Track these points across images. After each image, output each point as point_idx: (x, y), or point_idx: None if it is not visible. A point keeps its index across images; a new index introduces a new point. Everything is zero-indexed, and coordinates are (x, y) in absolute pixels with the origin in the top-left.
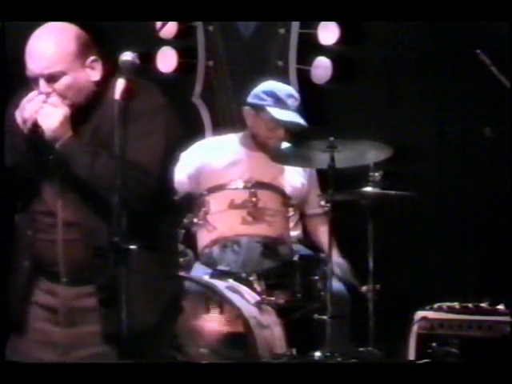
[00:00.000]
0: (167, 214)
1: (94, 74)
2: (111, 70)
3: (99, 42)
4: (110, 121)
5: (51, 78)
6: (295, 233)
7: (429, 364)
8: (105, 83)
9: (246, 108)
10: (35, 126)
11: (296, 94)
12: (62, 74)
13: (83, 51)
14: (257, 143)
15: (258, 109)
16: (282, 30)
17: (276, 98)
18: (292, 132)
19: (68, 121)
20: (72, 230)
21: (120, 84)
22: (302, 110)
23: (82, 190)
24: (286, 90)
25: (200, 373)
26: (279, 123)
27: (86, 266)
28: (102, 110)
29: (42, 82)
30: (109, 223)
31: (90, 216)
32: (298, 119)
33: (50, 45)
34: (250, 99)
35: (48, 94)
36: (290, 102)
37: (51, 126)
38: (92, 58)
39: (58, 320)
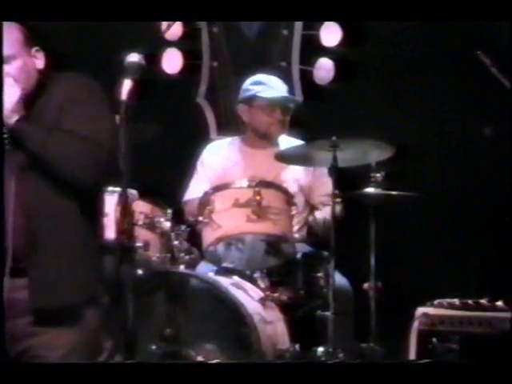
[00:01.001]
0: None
1: (39, 62)
2: (51, 62)
3: (39, 36)
4: (52, 108)
5: (6, 60)
6: (300, 233)
7: (429, 364)
8: (47, 73)
9: (240, 105)
10: None
11: (282, 81)
12: (14, 57)
13: (27, 41)
14: (259, 138)
15: (251, 99)
16: (285, 32)
17: (264, 84)
18: (287, 114)
19: (21, 102)
20: (19, 213)
21: (126, 84)
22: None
23: (34, 168)
24: (273, 78)
25: (200, 373)
26: (273, 103)
27: (26, 258)
28: (46, 98)
29: None
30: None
31: (41, 195)
32: (288, 95)
33: (5, 32)
34: (240, 96)
35: (3, 76)
36: (277, 85)
37: (9, 104)
38: (35, 48)
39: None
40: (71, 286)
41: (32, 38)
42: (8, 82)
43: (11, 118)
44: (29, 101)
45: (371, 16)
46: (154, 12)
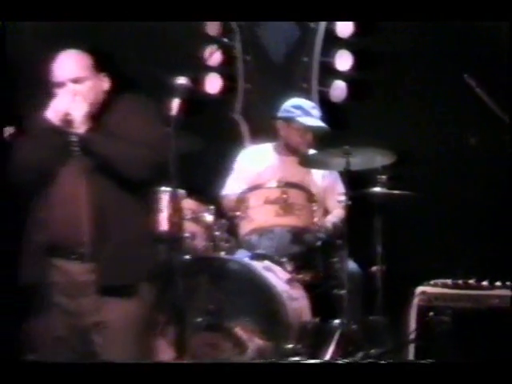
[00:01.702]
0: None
1: (105, 85)
2: (116, 85)
3: (106, 65)
4: (115, 121)
5: (77, 81)
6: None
7: (429, 364)
8: (112, 94)
9: (279, 121)
10: (66, 115)
11: (315, 106)
12: (85, 79)
13: (96, 67)
14: (289, 150)
15: (289, 120)
16: (305, 59)
17: (303, 109)
18: (317, 138)
19: (89, 114)
20: (90, 208)
21: (175, 102)
22: (323, 118)
23: (101, 169)
24: (309, 103)
25: (200, 373)
26: (308, 129)
27: (95, 245)
28: (110, 113)
29: (69, 84)
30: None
31: (110, 194)
32: (322, 124)
33: (75, 59)
34: (281, 113)
35: (75, 93)
36: (313, 112)
37: (79, 114)
38: (103, 73)
39: (70, 293)
40: (132, 267)
41: (100, 65)
42: (78, 100)
43: (80, 129)
44: (96, 115)
45: (371, 16)
46: (155, 12)
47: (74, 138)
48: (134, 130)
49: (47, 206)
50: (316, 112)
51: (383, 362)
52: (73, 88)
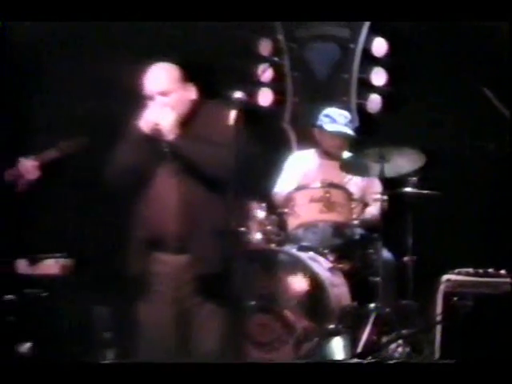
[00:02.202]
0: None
1: (191, 94)
2: (202, 94)
3: (194, 75)
4: (203, 128)
5: (164, 94)
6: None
7: (431, 364)
8: (200, 102)
9: (315, 129)
10: (156, 125)
11: (346, 114)
12: (172, 91)
13: (183, 78)
14: (326, 154)
15: (319, 127)
16: (345, 75)
17: (330, 117)
18: (347, 142)
19: (177, 123)
20: (182, 207)
21: (233, 114)
22: (353, 126)
23: (190, 172)
24: (337, 111)
25: (201, 373)
26: (333, 134)
27: (189, 238)
28: (198, 120)
29: (157, 97)
30: (213, 198)
31: (198, 193)
32: (346, 130)
33: (163, 73)
34: (315, 122)
35: (163, 105)
36: (339, 119)
37: (168, 124)
38: (190, 83)
39: (169, 281)
40: (219, 258)
41: (187, 76)
42: (166, 111)
43: (169, 136)
44: (183, 122)
45: (372, 16)
46: (155, 13)
47: (165, 145)
48: (221, 135)
49: (145, 205)
50: (342, 119)
51: (383, 362)
52: (161, 100)
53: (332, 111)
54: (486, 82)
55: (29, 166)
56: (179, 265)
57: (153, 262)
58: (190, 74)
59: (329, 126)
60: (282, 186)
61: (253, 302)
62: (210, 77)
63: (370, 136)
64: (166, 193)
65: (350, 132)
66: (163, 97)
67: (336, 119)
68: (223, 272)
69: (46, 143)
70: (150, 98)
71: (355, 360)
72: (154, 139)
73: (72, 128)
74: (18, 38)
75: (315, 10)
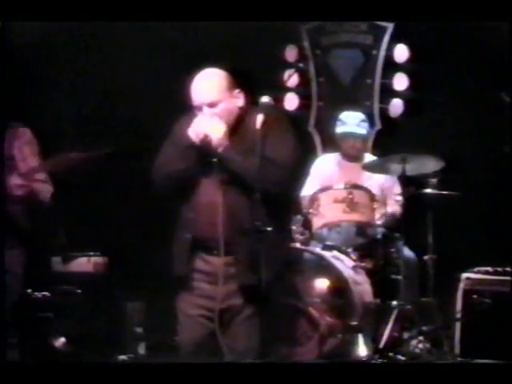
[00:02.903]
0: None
1: (239, 101)
2: (250, 99)
3: (241, 81)
4: (251, 133)
5: (212, 105)
6: (380, 221)
7: (432, 364)
8: (247, 108)
9: (334, 133)
10: (206, 137)
11: (358, 115)
12: (219, 101)
13: (230, 86)
14: (345, 155)
15: (333, 132)
16: (368, 81)
17: (341, 121)
18: (374, 146)
19: (226, 134)
20: (226, 215)
21: (260, 118)
22: (368, 125)
23: (237, 183)
24: (350, 114)
25: (201, 373)
26: (341, 135)
27: (232, 242)
28: (245, 126)
29: (205, 109)
30: (253, 209)
31: (241, 203)
32: (355, 130)
33: (210, 83)
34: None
35: (212, 116)
36: (348, 121)
37: (217, 136)
38: (237, 90)
39: (211, 280)
40: (265, 264)
41: (234, 83)
42: (215, 121)
43: (218, 148)
44: (232, 132)
45: (373, 16)
46: (155, 12)
47: (213, 156)
48: (270, 147)
49: (192, 209)
50: (352, 120)
51: (383, 362)
52: (209, 111)
53: (344, 115)
54: (486, 82)
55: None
56: (221, 267)
57: (197, 261)
58: (236, 81)
59: (339, 129)
60: (310, 188)
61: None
62: (254, 82)
63: (392, 139)
64: (213, 199)
65: (359, 132)
66: (211, 108)
67: (345, 121)
68: (265, 277)
69: (46, 143)
70: (198, 108)
71: (377, 356)
72: (202, 149)
73: (72, 128)
74: (18, 38)
75: (332, 10)
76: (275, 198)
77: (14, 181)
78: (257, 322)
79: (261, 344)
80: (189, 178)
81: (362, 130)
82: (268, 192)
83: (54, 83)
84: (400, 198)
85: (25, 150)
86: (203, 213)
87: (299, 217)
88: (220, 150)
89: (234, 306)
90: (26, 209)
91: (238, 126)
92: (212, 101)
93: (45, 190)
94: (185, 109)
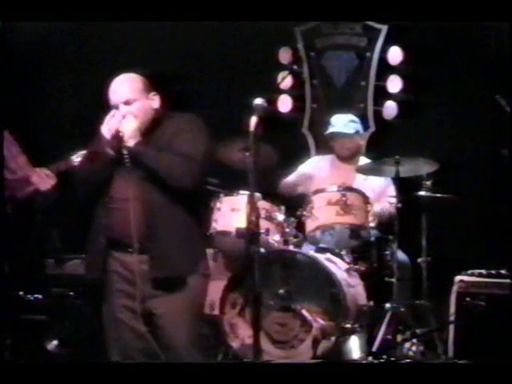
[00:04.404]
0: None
1: (155, 103)
2: (166, 102)
3: (158, 85)
4: (166, 135)
5: (127, 103)
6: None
7: (432, 364)
8: (162, 111)
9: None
10: (118, 132)
11: (347, 117)
12: (134, 100)
13: (146, 88)
14: (340, 158)
15: (322, 134)
16: (363, 83)
17: (329, 123)
18: (368, 148)
19: (138, 131)
20: (140, 210)
21: (254, 120)
22: (359, 126)
23: (149, 177)
24: (339, 116)
25: (201, 373)
26: (329, 136)
27: (146, 239)
28: (161, 128)
29: (121, 106)
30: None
31: (155, 197)
32: (341, 130)
33: (126, 83)
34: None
35: (125, 113)
36: (336, 122)
37: (129, 131)
38: (153, 93)
39: (129, 281)
40: (180, 261)
41: (150, 85)
42: (128, 118)
43: (130, 142)
44: (146, 130)
45: (373, 16)
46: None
47: (125, 151)
48: (181, 143)
49: (105, 210)
50: (339, 122)
51: (383, 362)
52: (124, 108)
53: (334, 117)
54: (482, 84)
55: (40, 177)
56: (137, 264)
57: (113, 261)
58: (153, 84)
59: (327, 131)
60: (292, 177)
61: (271, 302)
62: (173, 87)
63: (386, 140)
64: (125, 198)
65: (345, 131)
66: (126, 105)
67: (333, 123)
68: (182, 272)
69: (46, 143)
70: (114, 107)
71: (370, 359)
72: (114, 145)
73: (72, 128)
74: (18, 38)
75: (327, 11)
76: (185, 194)
77: (11, 176)
78: (181, 317)
79: (188, 339)
80: (99, 178)
81: (349, 129)
82: (179, 185)
83: (53, 83)
84: (394, 200)
85: (12, 149)
86: (117, 212)
87: (292, 219)
88: (132, 144)
89: (154, 304)
90: (24, 210)
91: (152, 127)
92: (127, 99)
93: (45, 181)
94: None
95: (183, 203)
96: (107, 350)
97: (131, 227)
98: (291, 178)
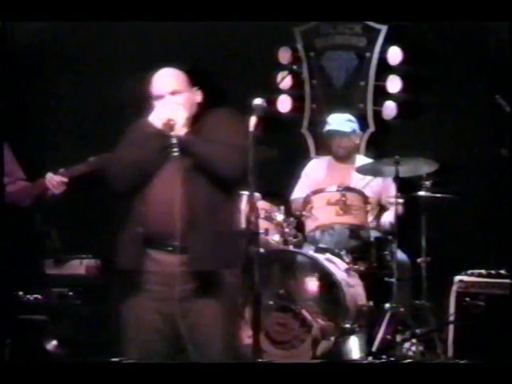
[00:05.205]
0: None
1: (198, 97)
2: (207, 98)
3: (199, 81)
4: (208, 132)
5: (175, 93)
6: (373, 223)
7: (431, 364)
8: (204, 105)
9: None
10: (169, 120)
11: (343, 116)
12: (181, 92)
13: (190, 82)
14: (338, 157)
15: (323, 132)
16: (362, 83)
17: (326, 122)
18: (368, 148)
19: (189, 120)
20: (184, 208)
21: (253, 120)
22: (355, 125)
23: (198, 167)
24: (335, 115)
25: (201, 373)
26: (326, 135)
27: (187, 238)
28: (203, 124)
29: (168, 96)
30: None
31: (201, 189)
32: (337, 128)
33: (173, 75)
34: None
35: (175, 103)
36: (332, 121)
37: (181, 120)
38: (196, 87)
39: (163, 281)
40: (218, 258)
41: (193, 80)
42: (178, 108)
43: (181, 131)
44: (191, 122)
45: (372, 16)
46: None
47: (174, 140)
48: (227, 135)
49: (146, 201)
50: (335, 120)
51: (383, 362)
52: (172, 99)
53: (331, 116)
54: (481, 84)
55: (55, 182)
56: (174, 265)
57: (147, 259)
58: (195, 80)
59: (324, 130)
60: (301, 190)
61: (271, 302)
62: (215, 83)
63: (385, 140)
64: (169, 190)
65: (342, 129)
66: (174, 96)
67: (330, 121)
68: (220, 272)
69: (46, 143)
70: (160, 97)
71: (370, 359)
72: (163, 135)
73: (72, 128)
74: (18, 38)
75: (327, 10)
76: (233, 186)
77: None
78: (218, 319)
79: (224, 341)
80: (145, 168)
81: (346, 128)
82: (227, 177)
83: (53, 83)
84: (393, 200)
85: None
86: (158, 205)
87: (292, 219)
88: (181, 133)
89: (192, 306)
90: (23, 212)
91: (195, 121)
92: (174, 89)
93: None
94: None
95: (225, 197)
96: (124, 348)
97: (172, 223)
98: (299, 193)
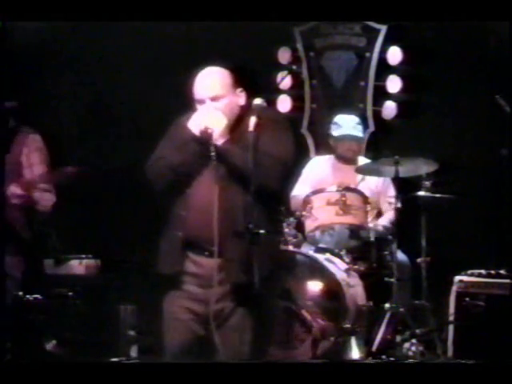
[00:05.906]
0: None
1: (241, 100)
2: (250, 100)
3: (243, 81)
4: (249, 134)
5: (215, 99)
6: (373, 223)
7: (431, 364)
8: (247, 107)
9: (327, 136)
10: (207, 129)
11: (353, 118)
12: (222, 97)
13: (234, 84)
14: (339, 158)
15: (328, 134)
16: (362, 83)
17: (336, 124)
18: (367, 148)
19: (227, 128)
20: (222, 215)
21: (253, 120)
22: (363, 128)
23: (235, 177)
24: (345, 117)
25: (201, 373)
26: (339, 139)
27: (224, 243)
28: (244, 125)
29: (208, 102)
30: (247, 210)
31: (237, 202)
32: (351, 132)
33: (215, 78)
34: (327, 130)
35: (214, 109)
36: (344, 123)
37: (219, 128)
38: (239, 89)
39: (201, 283)
40: (257, 266)
41: (237, 81)
42: (218, 115)
43: (218, 141)
44: (232, 128)
45: (372, 16)
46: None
47: (212, 149)
48: (267, 141)
49: (186, 205)
50: (348, 123)
51: (383, 362)
52: (212, 105)
53: (339, 117)
54: (481, 84)
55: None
56: (212, 269)
57: (186, 261)
58: (240, 80)
59: (335, 132)
60: (300, 189)
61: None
62: (255, 84)
63: (385, 140)
64: (208, 196)
65: (356, 134)
66: (214, 101)
67: (341, 124)
68: (257, 278)
69: (46, 143)
70: (201, 102)
71: (370, 359)
72: (202, 142)
73: (72, 128)
74: (17, 37)
75: (327, 10)
76: (269, 197)
77: (15, 190)
78: (249, 324)
79: (253, 346)
80: (185, 172)
81: (359, 132)
82: (264, 188)
83: (54, 83)
84: (394, 200)
85: (32, 157)
86: (197, 211)
87: (292, 219)
88: (219, 143)
89: (225, 308)
90: (23, 214)
91: (237, 124)
92: (215, 95)
93: (46, 199)
94: (185, 109)
95: (264, 207)
96: (163, 350)
97: (210, 229)
98: (300, 191)
